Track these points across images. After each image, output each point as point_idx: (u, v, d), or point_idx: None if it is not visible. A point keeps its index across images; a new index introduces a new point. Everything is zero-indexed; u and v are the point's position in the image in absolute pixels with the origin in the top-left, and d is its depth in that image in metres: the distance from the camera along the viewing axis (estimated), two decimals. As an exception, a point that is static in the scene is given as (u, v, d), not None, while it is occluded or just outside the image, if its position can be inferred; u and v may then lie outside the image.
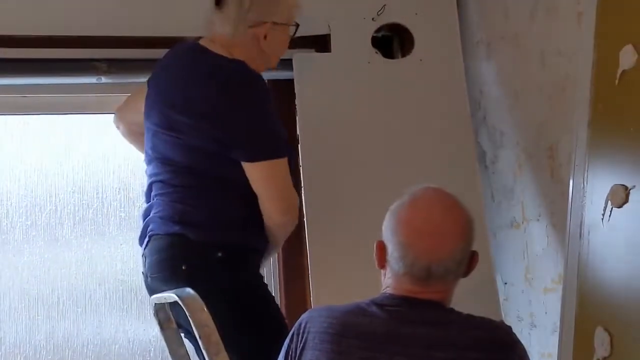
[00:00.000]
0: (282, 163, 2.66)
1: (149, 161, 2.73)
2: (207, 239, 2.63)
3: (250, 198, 2.69)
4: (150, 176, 2.73)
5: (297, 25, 2.85)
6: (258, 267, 2.78)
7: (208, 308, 2.49)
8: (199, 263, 2.61)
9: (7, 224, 3.16)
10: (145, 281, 2.69)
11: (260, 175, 2.62)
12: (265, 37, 2.73)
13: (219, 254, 2.61)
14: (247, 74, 2.68)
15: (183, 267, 2.60)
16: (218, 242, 2.63)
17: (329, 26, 3.18)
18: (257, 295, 2.71)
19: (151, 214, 2.68)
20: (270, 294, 2.81)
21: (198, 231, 2.63)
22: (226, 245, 2.64)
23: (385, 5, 3.20)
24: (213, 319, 2.50)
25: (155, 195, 2.70)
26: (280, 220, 2.68)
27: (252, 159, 2.59)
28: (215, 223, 2.66)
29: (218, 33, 2.70)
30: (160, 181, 2.69)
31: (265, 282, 2.84)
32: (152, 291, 2.66)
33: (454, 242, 2.22)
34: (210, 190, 2.67)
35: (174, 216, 2.64)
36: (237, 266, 2.65)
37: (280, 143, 2.67)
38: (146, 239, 2.68)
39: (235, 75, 2.67)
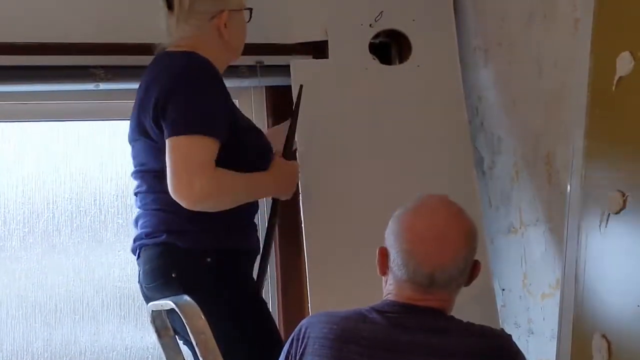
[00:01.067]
0: (193, 141, 2.56)
1: (132, 175, 2.74)
2: (194, 246, 2.62)
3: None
4: (134, 189, 2.73)
5: (251, 10, 2.86)
6: (250, 269, 2.78)
7: (211, 311, 2.48)
8: (188, 270, 2.60)
9: (4, 231, 3.16)
10: (141, 291, 2.70)
11: (167, 152, 2.55)
12: (225, 25, 2.73)
13: (208, 260, 2.60)
14: (189, 62, 2.67)
15: (173, 275, 2.59)
16: (205, 247, 2.63)
17: (326, 32, 3.19)
18: (249, 299, 2.71)
19: (139, 225, 2.69)
20: (261, 297, 2.81)
21: (184, 238, 2.62)
22: (214, 250, 2.63)
23: (382, 11, 3.21)
24: (215, 322, 2.49)
25: (140, 207, 2.71)
26: (178, 199, 2.55)
27: (167, 136, 2.55)
28: (199, 228, 2.63)
29: (180, 37, 2.72)
30: (143, 192, 2.69)
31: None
32: (148, 300, 2.67)
33: (457, 249, 2.22)
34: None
35: (159, 225, 2.64)
36: (226, 271, 2.65)
37: (196, 120, 2.58)
38: (137, 251, 2.68)
39: (180, 64, 2.67)
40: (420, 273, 2.19)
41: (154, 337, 2.71)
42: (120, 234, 3.29)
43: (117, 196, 3.28)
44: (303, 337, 2.25)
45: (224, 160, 2.55)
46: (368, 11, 3.21)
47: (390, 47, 3.33)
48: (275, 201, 2.85)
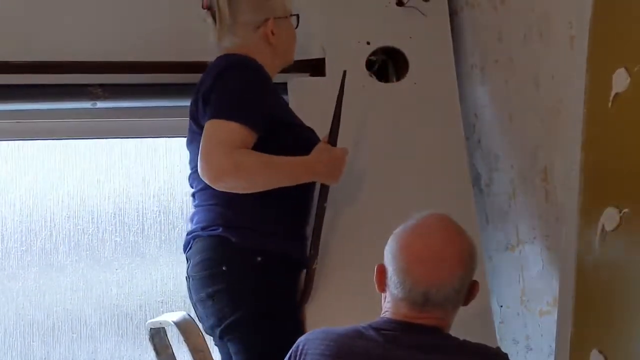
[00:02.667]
0: (221, 124, 2.65)
1: (189, 177, 2.84)
2: (248, 244, 2.67)
3: (293, 208, 2.77)
4: (192, 191, 2.83)
5: (297, 16, 2.91)
6: (294, 279, 2.82)
7: (240, 308, 2.65)
8: (239, 266, 2.66)
9: (1, 249, 3.18)
10: (187, 284, 2.78)
11: (203, 134, 2.66)
12: (272, 32, 2.79)
13: (258, 259, 2.65)
14: (234, 59, 2.77)
15: (223, 268, 2.66)
16: (258, 247, 2.67)
17: (323, 50, 3.18)
18: (283, 305, 2.75)
19: (194, 221, 2.78)
20: (297, 309, 2.83)
21: (240, 235, 2.68)
22: (266, 251, 2.68)
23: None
24: (240, 320, 2.65)
25: (197, 205, 2.79)
26: (201, 176, 2.65)
27: (205, 119, 2.65)
28: (254, 227, 2.69)
29: (228, 48, 2.79)
30: (200, 190, 2.76)
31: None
32: (190, 295, 2.77)
33: (453, 269, 2.23)
34: (251, 196, 2.68)
35: (216, 219, 2.71)
36: (274, 273, 2.70)
37: (232, 107, 2.67)
38: (190, 242, 2.75)
39: (226, 62, 2.76)
40: (415, 292, 2.20)
41: (152, 354, 2.78)
42: (118, 252, 3.30)
43: (115, 214, 3.30)
44: (301, 354, 2.27)
45: (263, 151, 2.65)
46: (365, 29, 3.22)
47: (387, 64, 3.33)
48: (323, 186, 2.86)
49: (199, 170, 2.60)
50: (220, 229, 2.69)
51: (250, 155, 2.62)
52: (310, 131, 2.90)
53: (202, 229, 2.72)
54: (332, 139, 2.85)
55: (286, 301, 2.78)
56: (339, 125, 2.91)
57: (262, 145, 2.64)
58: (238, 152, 2.59)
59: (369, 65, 3.31)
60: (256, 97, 2.69)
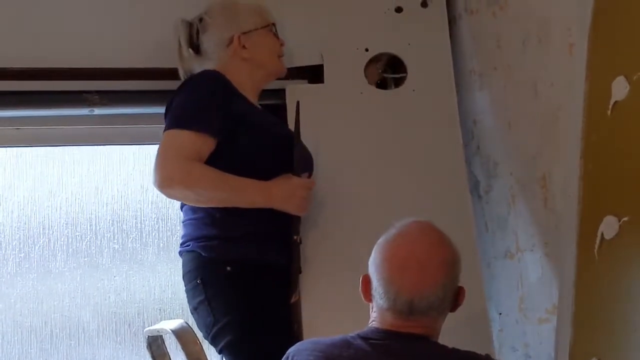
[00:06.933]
0: (171, 136, 2.72)
1: None
2: (215, 255, 2.73)
3: (259, 213, 2.78)
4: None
5: (273, 24, 2.99)
6: (273, 282, 2.83)
7: (220, 319, 2.71)
8: (210, 277, 2.73)
9: (-1, 256, 3.22)
10: None
11: (159, 144, 2.72)
12: (244, 47, 2.87)
13: (228, 269, 2.70)
14: (195, 75, 2.89)
15: (198, 281, 2.74)
16: (226, 257, 2.73)
17: (322, 57, 3.20)
18: (262, 313, 2.76)
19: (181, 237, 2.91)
20: (282, 312, 2.84)
21: (207, 248, 2.75)
22: (234, 260, 2.73)
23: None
24: (223, 330, 2.72)
25: (182, 222, 2.88)
26: (153, 182, 2.71)
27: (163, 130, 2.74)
28: (222, 239, 2.75)
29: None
30: (182, 207, 2.87)
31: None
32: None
33: (436, 278, 2.25)
34: (218, 208, 2.76)
35: (189, 235, 2.80)
36: (246, 281, 2.74)
37: (180, 119, 2.74)
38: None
39: (189, 78, 2.91)
40: (399, 301, 2.23)
41: None
42: (116, 258, 3.31)
43: (113, 221, 3.32)
44: None
45: (226, 155, 2.71)
46: (363, 35, 3.24)
47: (386, 71, 3.35)
48: (293, 218, 2.89)
49: (153, 178, 2.69)
50: (191, 244, 2.78)
51: (202, 169, 2.70)
52: (286, 138, 2.94)
53: (181, 245, 2.83)
54: (294, 168, 2.91)
55: (266, 306, 2.80)
56: (300, 154, 2.95)
57: (225, 149, 2.72)
58: (191, 164, 2.67)
59: (383, 84, 3.38)
60: (210, 103, 2.76)
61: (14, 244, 3.18)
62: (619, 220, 2.36)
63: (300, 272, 2.93)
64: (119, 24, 3.15)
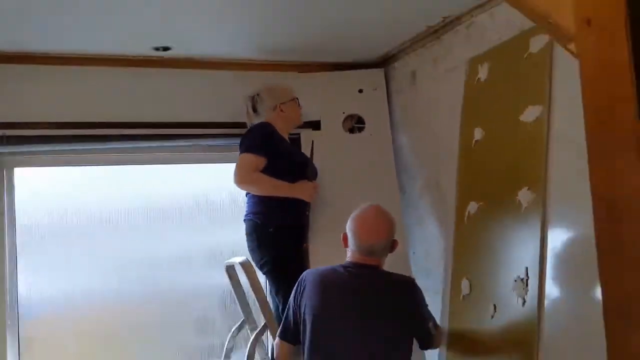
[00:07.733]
0: (243, 157, 3.47)
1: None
2: (263, 222, 3.57)
3: (289, 202, 3.55)
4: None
5: (297, 99, 3.76)
6: (299, 238, 3.61)
7: (264, 256, 3.46)
8: (261, 236, 3.56)
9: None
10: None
11: (237, 161, 3.44)
12: (282, 110, 3.70)
13: (270, 230, 3.55)
14: (256, 125, 3.63)
15: (254, 236, 3.57)
16: (269, 223, 3.56)
17: (319, 115, 4.14)
18: (290, 255, 3.56)
19: (245, 211, 3.66)
20: (298, 253, 3.55)
21: (258, 217, 3.58)
22: (274, 225, 3.56)
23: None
24: (266, 262, 3.48)
25: (246, 202, 3.67)
26: (234, 183, 3.43)
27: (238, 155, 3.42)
28: (266, 212, 3.55)
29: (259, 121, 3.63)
30: (246, 195, 3.66)
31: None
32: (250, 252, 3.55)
33: (384, 232, 2.89)
34: (265, 197, 3.55)
35: (248, 210, 3.65)
36: (279, 236, 3.52)
37: (248, 148, 3.45)
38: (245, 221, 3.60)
39: (253, 126, 3.65)
40: (364, 246, 2.85)
41: (227, 280, 3.66)
42: (212, 222, 4.18)
43: (207, 202, 4.22)
44: (303, 282, 2.93)
45: (272, 167, 3.47)
46: (342, 104, 4.17)
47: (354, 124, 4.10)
48: (305, 202, 3.63)
49: (233, 178, 3.45)
50: (250, 215, 3.60)
51: (259, 175, 3.46)
52: (304, 158, 3.73)
53: (245, 215, 3.62)
54: (308, 176, 3.66)
55: (291, 251, 3.55)
56: (311, 168, 3.70)
57: (270, 165, 3.48)
58: (252, 172, 3.45)
59: (352, 130, 4.12)
60: (262, 140, 3.51)
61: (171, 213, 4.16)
62: (477, 204, 3.12)
63: (308, 231, 3.73)
64: (219, 96, 4.01)
